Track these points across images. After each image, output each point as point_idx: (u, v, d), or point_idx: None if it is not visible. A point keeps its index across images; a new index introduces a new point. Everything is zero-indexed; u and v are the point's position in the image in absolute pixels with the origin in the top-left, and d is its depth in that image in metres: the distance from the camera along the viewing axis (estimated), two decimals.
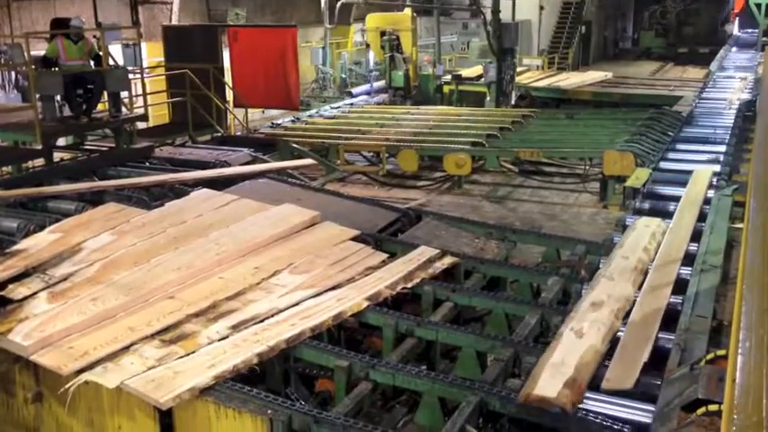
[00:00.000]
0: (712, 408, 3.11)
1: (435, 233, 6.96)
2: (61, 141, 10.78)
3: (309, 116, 15.51)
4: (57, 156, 10.03)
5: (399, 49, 19.43)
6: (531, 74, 21.09)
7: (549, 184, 12.79)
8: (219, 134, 12.25)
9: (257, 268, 5.48)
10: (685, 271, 5.30)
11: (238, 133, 13.47)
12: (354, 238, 6.20)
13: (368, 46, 20.89)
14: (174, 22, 18.23)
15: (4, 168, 10.27)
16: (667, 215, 6.81)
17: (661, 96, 17.11)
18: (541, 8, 28.35)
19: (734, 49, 26.93)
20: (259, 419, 3.83)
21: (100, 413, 4.56)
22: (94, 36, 10.43)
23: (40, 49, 10.41)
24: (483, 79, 17.91)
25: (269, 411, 3.83)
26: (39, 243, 5.78)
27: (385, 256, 5.92)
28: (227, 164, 9.00)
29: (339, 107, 16.77)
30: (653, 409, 3.55)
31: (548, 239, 6.93)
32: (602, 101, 17.24)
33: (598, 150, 11.55)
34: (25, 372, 4.81)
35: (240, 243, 5.85)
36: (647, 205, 7.16)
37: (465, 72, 19.73)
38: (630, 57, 34.28)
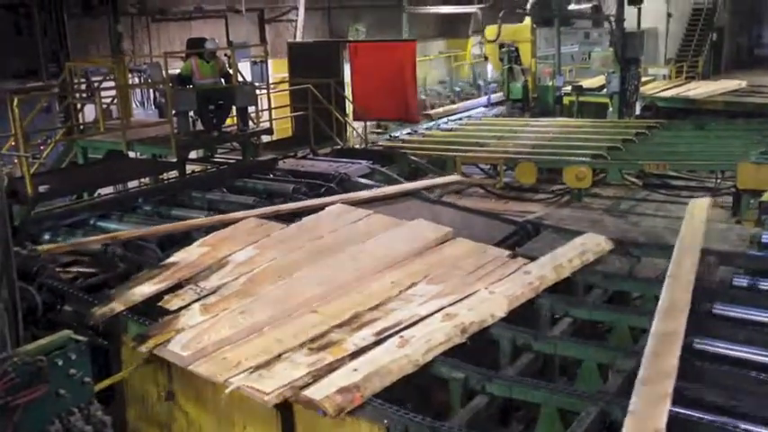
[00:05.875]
0: None
1: (553, 246, 6.81)
2: (192, 154, 11.41)
3: (427, 128, 15.62)
4: (188, 168, 10.63)
5: (518, 61, 19.22)
6: (657, 84, 20.31)
7: (675, 198, 12.23)
8: (339, 146, 12.55)
9: (394, 282, 5.51)
10: None
11: (357, 146, 13.75)
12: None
13: (486, 58, 20.80)
14: (299, 38, 18.90)
15: (143, 180, 10.96)
16: None
17: None
18: (669, 15, 27.25)
19: None
20: (376, 426, 3.90)
21: (227, 413, 4.78)
22: (226, 54, 10.98)
23: (175, 67, 11.07)
24: (605, 90, 17.40)
25: (385, 421, 3.88)
26: (189, 256, 6.07)
27: (523, 261, 5.78)
28: (346, 176, 9.21)
29: (457, 119, 16.80)
30: None
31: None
32: (735, 111, 16.36)
33: (731, 162, 10.97)
34: (159, 371, 5.12)
35: (376, 259, 5.89)
36: None
37: (586, 83, 19.25)
38: (767, 64, 32.25)
